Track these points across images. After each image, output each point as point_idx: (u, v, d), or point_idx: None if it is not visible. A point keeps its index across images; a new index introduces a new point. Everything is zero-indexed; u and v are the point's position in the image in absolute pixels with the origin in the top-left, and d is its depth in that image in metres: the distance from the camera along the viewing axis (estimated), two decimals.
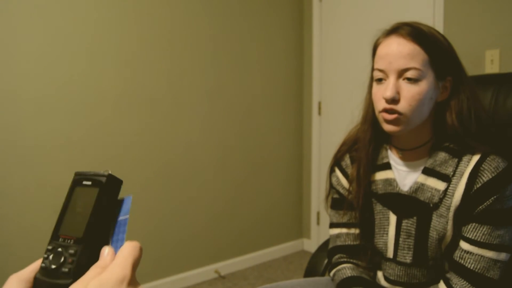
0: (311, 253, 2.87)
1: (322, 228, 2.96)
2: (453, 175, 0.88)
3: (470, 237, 0.85)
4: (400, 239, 0.94)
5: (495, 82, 1.10)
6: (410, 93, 0.85)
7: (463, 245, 0.86)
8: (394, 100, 0.86)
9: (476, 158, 0.86)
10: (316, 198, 2.98)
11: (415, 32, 0.86)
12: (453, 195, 0.87)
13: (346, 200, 1.05)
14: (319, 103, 2.92)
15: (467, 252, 0.85)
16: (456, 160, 0.88)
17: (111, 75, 2.14)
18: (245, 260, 2.74)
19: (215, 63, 2.52)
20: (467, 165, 0.87)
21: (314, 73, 2.93)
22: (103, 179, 0.43)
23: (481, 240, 0.84)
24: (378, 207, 0.98)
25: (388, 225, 0.96)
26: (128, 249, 0.38)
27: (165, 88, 2.33)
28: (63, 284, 0.39)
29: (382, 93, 0.88)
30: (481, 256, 0.84)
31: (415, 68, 0.85)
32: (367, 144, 0.99)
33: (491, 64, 1.98)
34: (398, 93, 0.86)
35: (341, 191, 1.06)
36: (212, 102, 2.52)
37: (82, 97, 2.06)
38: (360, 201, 0.99)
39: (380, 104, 0.89)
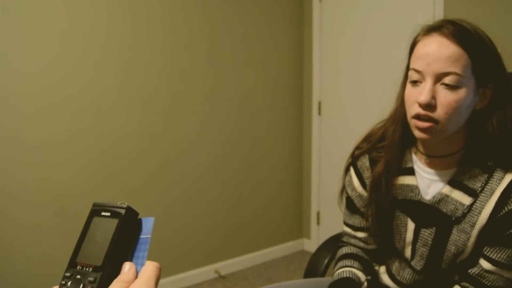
0: (311, 253, 2.87)
1: (322, 228, 2.96)
2: (481, 191, 0.83)
3: (493, 257, 0.83)
4: (416, 245, 0.92)
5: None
6: (447, 100, 0.78)
7: (484, 264, 0.84)
8: (429, 106, 0.79)
9: (510, 176, 0.81)
10: (316, 198, 2.98)
11: (460, 33, 0.78)
12: (480, 213, 0.83)
13: (352, 202, 1.04)
14: (319, 103, 2.92)
15: (488, 271, 0.83)
16: (486, 175, 0.83)
17: (110, 75, 2.14)
18: (245, 260, 2.73)
19: (215, 63, 2.52)
20: (499, 183, 0.82)
21: (314, 73, 2.93)
22: (122, 211, 0.46)
23: (504, 262, 0.82)
24: (396, 213, 0.95)
25: (405, 231, 0.94)
26: (152, 269, 0.41)
27: (164, 88, 2.33)
28: None
29: (416, 97, 0.81)
30: (501, 276, 0.83)
31: (455, 74, 0.77)
32: (396, 145, 0.93)
33: None
34: (434, 98, 0.78)
35: (349, 192, 1.04)
36: (212, 102, 2.52)
37: (82, 97, 2.06)
38: (386, 205, 0.94)
39: (413, 109, 0.82)
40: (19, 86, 1.89)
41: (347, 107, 2.74)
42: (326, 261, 1.18)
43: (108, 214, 0.46)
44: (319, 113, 2.93)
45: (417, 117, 0.81)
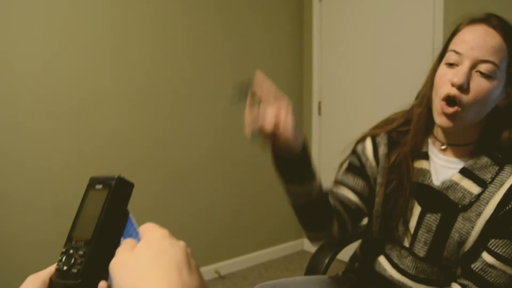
0: (311, 253, 2.86)
1: None
2: (490, 182, 0.84)
3: (498, 251, 0.82)
4: (419, 231, 0.92)
5: None
6: (479, 87, 0.79)
7: (487, 258, 0.84)
8: (462, 89, 0.80)
9: None
10: None
11: (506, 27, 0.82)
12: (487, 203, 0.84)
13: (363, 170, 1.00)
14: (319, 103, 2.92)
15: (491, 266, 0.83)
16: (497, 167, 0.85)
17: (111, 75, 2.14)
18: (245, 260, 2.73)
19: (215, 63, 2.52)
20: (509, 176, 0.83)
21: (314, 73, 2.93)
22: (113, 182, 0.45)
23: (509, 257, 0.82)
24: (406, 195, 0.94)
25: (410, 215, 0.94)
26: (146, 224, 0.42)
27: (165, 88, 2.33)
28: (72, 284, 0.41)
29: (450, 77, 0.81)
30: (503, 272, 0.82)
31: (493, 63, 0.79)
32: (421, 128, 0.94)
33: None
34: (468, 82, 0.79)
35: (363, 160, 1.01)
36: (212, 102, 2.52)
37: (82, 97, 2.05)
38: (406, 188, 0.92)
39: (444, 89, 0.82)
40: (19, 86, 1.89)
41: (347, 107, 2.74)
42: (326, 261, 1.18)
43: (101, 186, 0.45)
44: (319, 113, 2.93)
45: (447, 98, 0.82)
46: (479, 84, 0.80)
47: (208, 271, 2.54)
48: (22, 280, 0.43)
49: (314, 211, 0.94)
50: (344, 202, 0.99)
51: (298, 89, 2.99)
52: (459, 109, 0.81)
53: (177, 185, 2.40)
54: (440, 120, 0.84)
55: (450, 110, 0.81)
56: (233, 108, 0.79)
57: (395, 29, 2.40)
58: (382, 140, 1.00)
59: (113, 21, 2.13)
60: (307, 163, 0.87)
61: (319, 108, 2.92)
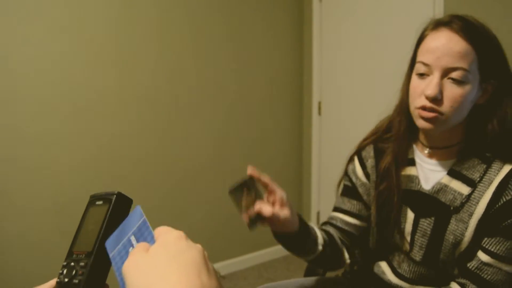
0: None
1: None
2: (479, 181, 0.84)
3: (492, 250, 0.82)
4: (415, 236, 0.92)
5: None
6: (453, 94, 0.80)
7: (482, 256, 0.84)
8: (436, 100, 0.81)
9: (508, 167, 0.83)
10: (316, 198, 2.98)
11: (468, 29, 0.81)
12: (477, 203, 0.84)
13: (355, 189, 1.04)
14: (319, 103, 2.92)
15: (486, 264, 0.83)
16: (484, 166, 0.85)
17: (111, 76, 2.14)
18: (245, 260, 2.73)
19: (215, 63, 2.52)
20: (497, 173, 0.83)
21: (314, 73, 2.93)
22: (113, 197, 0.47)
23: (503, 255, 0.82)
24: (398, 203, 0.96)
25: (404, 222, 0.94)
26: (161, 227, 0.41)
27: (164, 89, 2.33)
28: None
29: (423, 89, 0.82)
30: (499, 269, 0.82)
31: (463, 69, 0.79)
32: (402, 136, 0.95)
33: None
34: (441, 92, 0.81)
35: (354, 180, 1.04)
36: (211, 102, 2.52)
37: (82, 96, 2.06)
38: (396, 196, 0.94)
39: (419, 101, 0.83)
40: (19, 86, 1.89)
41: (347, 107, 2.74)
42: None
43: (101, 202, 0.47)
44: (319, 113, 2.93)
45: (422, 108, 0.83)
46: (452, 91, 0.80)
47: None
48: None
49: (324, 259, 0.98)
50: (346, 230, 1.04)
51: (298, 89, 2.99)
52: (437, 115, 0.82)
53: (177, 185, 2.40)
54: (421, 124, 0.85)
55: (429, 115, 0.82)
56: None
57: (395, 29, 2.40)
58: (368, 153, 1.03)
59: (116, 23, 2.13)
60: (306, 236, 0.92)
61: (319, 108, 2.92)
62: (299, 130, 3.02)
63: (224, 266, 2.61)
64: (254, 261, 2.78)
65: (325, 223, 1.09)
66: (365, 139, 1.05)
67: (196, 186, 2.48)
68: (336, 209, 1.08)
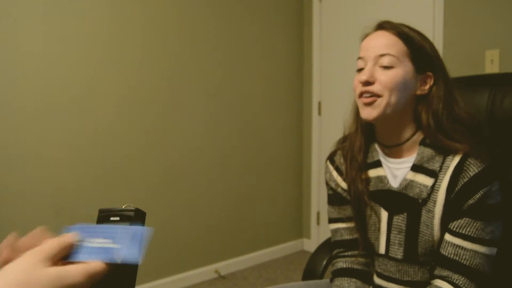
0: (311, 253, 2.87)
1: (322, 228, 2.96)
2: (439, 171, 0.89)
3: (463, 232, 0.85)
4: (391, 235, 0.95)
5: (493, 82, 1.10)
6: (384, 76, 0.88)
7: (456, 240, 0.86)
8: (369, 83, 0.89)
9: (461, 154, 0.87)
10: (316, 198, 2.98)
11: (397, 26, 0.91)
12: (439, 190, 0.88)
13: (339, 195, 1.06)
14: (319, 103, 2.92)
15: (461, 247, 0.85)
16: (442, 156, 0.89)
17: (113, 77, 2.14)
18: (245, 260, 2.74)
19: (215, 64, 2.52)
20: (452, 159, 0.88)
21: (314, 73, 2.93)
22: (132, 214, 0.47)
23: (475, 236, 0.84)
24: (370, 204, 0.99)
25: (379, 221, 0.97)
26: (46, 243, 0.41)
27: (165, 89, 2.33)
28: None
29: (359, 78, 0.91)
30: (475, 252, 0.84)
31: (390, 55, 0.88)
32: (355, 139, 1.01)
33: (491, 64, 1.97)
34: (373, 77, 0.89)
35: (333, 186, 1.07)
36: (212, 103, 2.52)
37: (82, 97, 2.06)
38: (363, 198, 0.98)
39: (357, 89, 0.92)
40: (19, 85, 1.89)
41: (347, 107, 2.73)
42: (324, 262, 1.18)
43: (117, 218, 0.47)
44: (319, 113, 2.93)
45: (361, 95, 0.91)
46: (383, 74, 0.88)
47: (208, 271, 2.54)
48: None
49: None
50: (345, 241, 1.05)
51: (298, 89, 2.99)
52: (376, 97, 0.89)
53: (177, 185, 2.40)
54: (364, 113, 0.91)
55: (368, 99, 0.89)
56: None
57: None
58: (339, 160, 1.07)
59: (110, 21, 2.13)
60: None
61: (319, 108, 2.92)
62: (299, 130, 3.02)
63: (224, 266, 2.62)
64: (254, 261, 2.78)
65: (335, 256, 1.08)
66: (333, 147, 1.11)
67: (196, 186, 2.48)
68: (332, 220, 1.09)
